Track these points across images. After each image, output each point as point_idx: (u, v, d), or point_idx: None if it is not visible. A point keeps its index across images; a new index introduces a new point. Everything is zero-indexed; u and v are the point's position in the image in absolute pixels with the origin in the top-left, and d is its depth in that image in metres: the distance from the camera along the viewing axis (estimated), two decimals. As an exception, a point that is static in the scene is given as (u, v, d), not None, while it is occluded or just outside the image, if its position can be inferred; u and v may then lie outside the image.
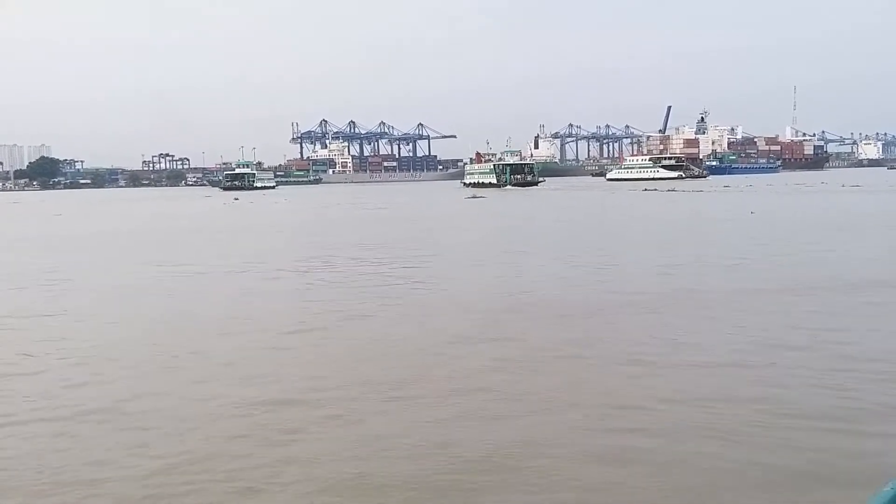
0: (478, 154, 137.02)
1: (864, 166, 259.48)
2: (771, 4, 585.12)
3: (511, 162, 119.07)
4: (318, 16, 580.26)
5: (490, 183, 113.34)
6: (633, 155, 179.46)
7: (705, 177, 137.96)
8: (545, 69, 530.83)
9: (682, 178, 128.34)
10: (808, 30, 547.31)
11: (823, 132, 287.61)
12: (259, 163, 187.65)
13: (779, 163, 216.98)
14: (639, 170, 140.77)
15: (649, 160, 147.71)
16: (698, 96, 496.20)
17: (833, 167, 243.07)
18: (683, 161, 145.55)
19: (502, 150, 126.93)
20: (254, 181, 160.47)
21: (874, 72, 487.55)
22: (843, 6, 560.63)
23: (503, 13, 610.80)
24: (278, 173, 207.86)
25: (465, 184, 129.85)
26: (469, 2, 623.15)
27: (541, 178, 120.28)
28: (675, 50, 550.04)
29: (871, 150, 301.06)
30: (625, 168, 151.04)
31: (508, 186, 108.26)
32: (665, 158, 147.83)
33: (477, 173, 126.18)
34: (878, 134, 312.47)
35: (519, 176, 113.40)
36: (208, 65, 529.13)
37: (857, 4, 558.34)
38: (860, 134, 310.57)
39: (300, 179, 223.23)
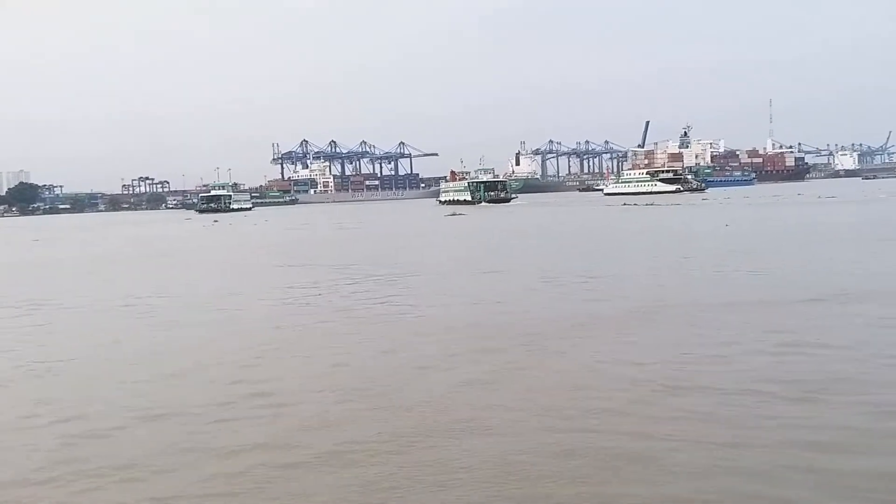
0: (452, 172, 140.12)
1: (840, 177, 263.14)
2: (744, 23, 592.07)
3: (485, 179, 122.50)
4: (297, 38, 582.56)
5: (465, 200, 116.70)
6: (630, 169, 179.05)
7: (703, 189, 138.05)
8: (525, 88, 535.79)
9: (681, 191, 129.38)
10: (781, 49, 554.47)
11: (800, 144, 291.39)
12: (235, 184, 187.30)
13: (753, 175, 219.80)
14: (636, 183, 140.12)
15: (647, 174, 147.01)
16: (675, 112, 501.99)
17: (813, 178, 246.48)
18: (681, 174, 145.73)
19: (476, 168, 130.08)
20: (230, 203, 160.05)
21: (847, 88, 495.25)
22: (816, 26, 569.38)
23: (482, 35, 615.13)
24: (254, 194, 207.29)
25: (440, 201, 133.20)
26: (448, 24, 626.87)
27: (514, 195, 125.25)
28: (651, 66, 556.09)
29: (847, 161, 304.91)
30: (622, 182, 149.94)
31: (483, 203, 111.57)
32: (663, 172, 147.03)
33: (452, 191, 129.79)
34: (853, 145, 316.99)
35: (493, 193, 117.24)
36: (188, 86, 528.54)
37: (828, 24, 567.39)
38: (836, 145, 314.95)
39: (276, 200, 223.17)
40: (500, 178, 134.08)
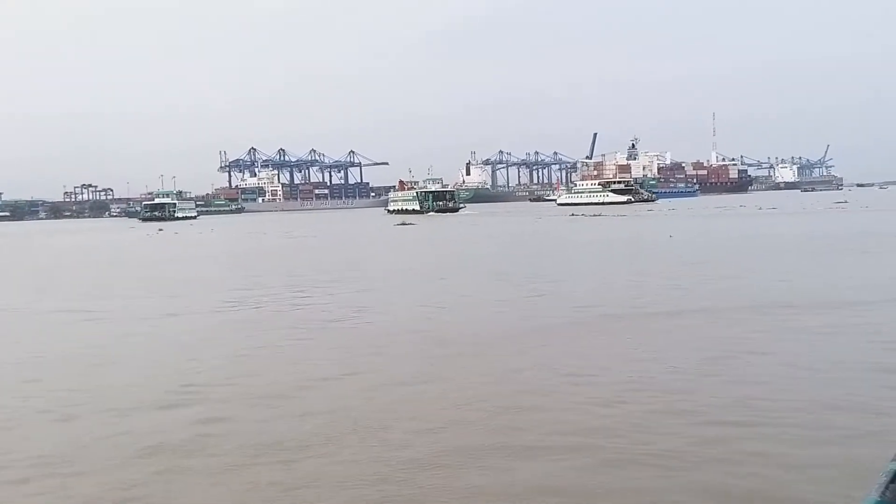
0: (401, 182, 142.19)
1: (781, 189, 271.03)
2: (688, 39, 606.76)
3: (433, 189, 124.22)
4: (245, 45, 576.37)
5: (413, 209, 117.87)
6: (581, 179, 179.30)
7: (655, 200, 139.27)
8: (476, 98, 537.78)
9: (632, 202, 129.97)
10: (724, 64, 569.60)
11: (742, 157, 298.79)
12: (180, 192, 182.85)
13: (696, 187, 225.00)
14: (589, 194, 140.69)
15: (599, 184, 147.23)
16: (623, 124, 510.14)
17: (756, 190, 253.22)
18: (633, 185, 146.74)
19: (424, 178, 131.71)
20: (175, 211, 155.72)
21: (787, 105, 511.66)
22: (756, 45, 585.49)
23: (433, 46, 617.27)
24: (198, 203, 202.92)
25: (388, 210, 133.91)
26: (398, 36, 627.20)
27: (462, 205, 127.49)
28: (599, 80, 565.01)
29: (787, 174, 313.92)
30: (575, 192, 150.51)
31: (431, 213, 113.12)
32: (615, 183, 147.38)
33: (400, 200, 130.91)
34: (792, 158, 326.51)
35: (441, 202, 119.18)
36: (135, 92, 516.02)
37: (764, 43, 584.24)
38: (776, 158, 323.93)
39: (221, 209, 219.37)
40: (449, 188, 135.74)
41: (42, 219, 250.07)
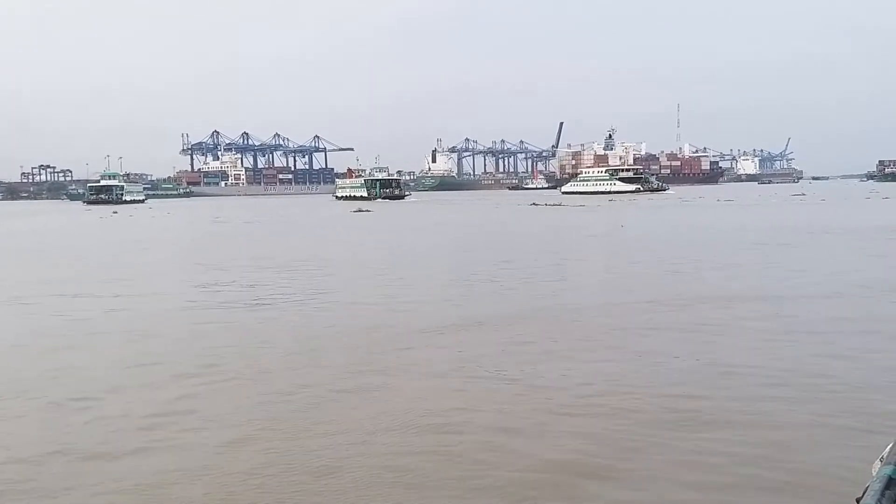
0: (349, 170, 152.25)
1: (743, 181, 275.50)
2: (653, 35, 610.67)
3: (380, 177, 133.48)
4: (211, 26, 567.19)
5: (361, 196, 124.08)
6: (590, 166, 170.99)
7: (665, 189, 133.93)
8: (443, 86, 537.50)
9: (640, 190, 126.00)
10: (691, 60, 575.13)
11: (706, 148, 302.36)
12: (127, 174, 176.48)
13: (654, 178, 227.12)
14: (595, 182, 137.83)
15: (606, 172, 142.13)
16: (585, 114, 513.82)
17: (725, 181, 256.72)
18: (642, 174, 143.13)
19: (372, 167, 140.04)
20: (122, 194, 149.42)
21: (750, 100, 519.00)
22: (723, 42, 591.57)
23: (401, 33, 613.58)
24: (145, 186, 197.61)
25: (337, 197, 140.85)
26: (367, 21, 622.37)
27: (407, 193, 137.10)
28: (564, 73, 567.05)
29: (748, 166, 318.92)
30: (581, 181, 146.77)
31: (378, 199, 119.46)
32: (623, 170, 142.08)
33: (349, 187, 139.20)
34: (754, 150, 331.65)
35: (388, 190, 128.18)
36: (92, 70, 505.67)
37: (732, 40, 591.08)
38: (738, 150, 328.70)
39: (169, 192, 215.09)
40: (395, 177, 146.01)
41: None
